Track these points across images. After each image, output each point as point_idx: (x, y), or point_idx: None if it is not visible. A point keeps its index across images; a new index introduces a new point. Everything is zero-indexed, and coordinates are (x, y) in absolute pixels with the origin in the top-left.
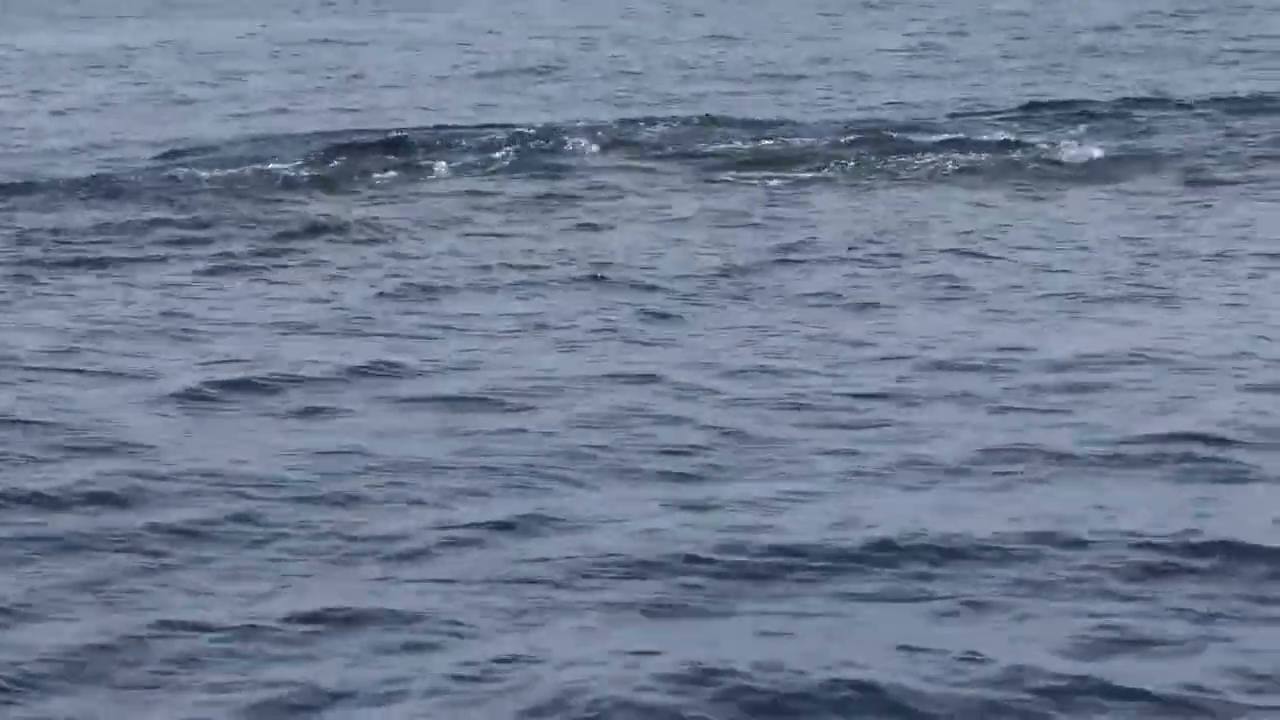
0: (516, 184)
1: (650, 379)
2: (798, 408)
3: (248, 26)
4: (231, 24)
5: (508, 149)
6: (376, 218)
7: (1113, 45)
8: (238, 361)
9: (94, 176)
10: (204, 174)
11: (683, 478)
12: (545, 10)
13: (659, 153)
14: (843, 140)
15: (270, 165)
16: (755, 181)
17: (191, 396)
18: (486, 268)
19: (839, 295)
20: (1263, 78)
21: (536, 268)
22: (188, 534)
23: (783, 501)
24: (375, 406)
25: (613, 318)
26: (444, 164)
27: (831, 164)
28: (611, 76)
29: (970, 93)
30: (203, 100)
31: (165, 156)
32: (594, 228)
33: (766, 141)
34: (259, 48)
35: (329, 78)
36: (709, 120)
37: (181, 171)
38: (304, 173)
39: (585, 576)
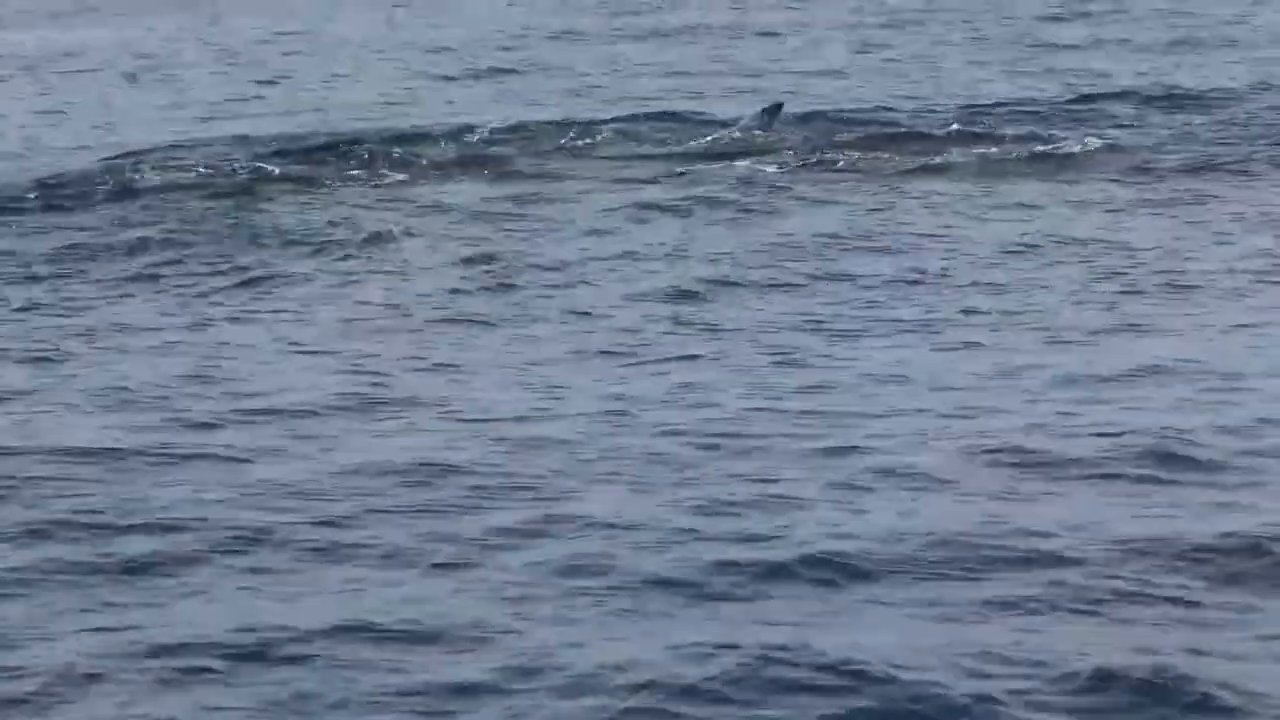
0: (481, 185)
1: (675, 380)
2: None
3: (179, 25)
4: (164, 21)
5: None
6: (349, 219)
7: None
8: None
9: (42, 183)
10: (159, 178)
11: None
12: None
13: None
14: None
15: (235, 167)
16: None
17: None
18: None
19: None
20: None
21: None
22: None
23: (828, 503)
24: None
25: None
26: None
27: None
28: (582, 70)
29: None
30: (148, 102)
31: (118, 161)
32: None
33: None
34: (195, 47)
35: (268, 81)
36: (669, 116)
37: (138, 177)
38: (272, 173)
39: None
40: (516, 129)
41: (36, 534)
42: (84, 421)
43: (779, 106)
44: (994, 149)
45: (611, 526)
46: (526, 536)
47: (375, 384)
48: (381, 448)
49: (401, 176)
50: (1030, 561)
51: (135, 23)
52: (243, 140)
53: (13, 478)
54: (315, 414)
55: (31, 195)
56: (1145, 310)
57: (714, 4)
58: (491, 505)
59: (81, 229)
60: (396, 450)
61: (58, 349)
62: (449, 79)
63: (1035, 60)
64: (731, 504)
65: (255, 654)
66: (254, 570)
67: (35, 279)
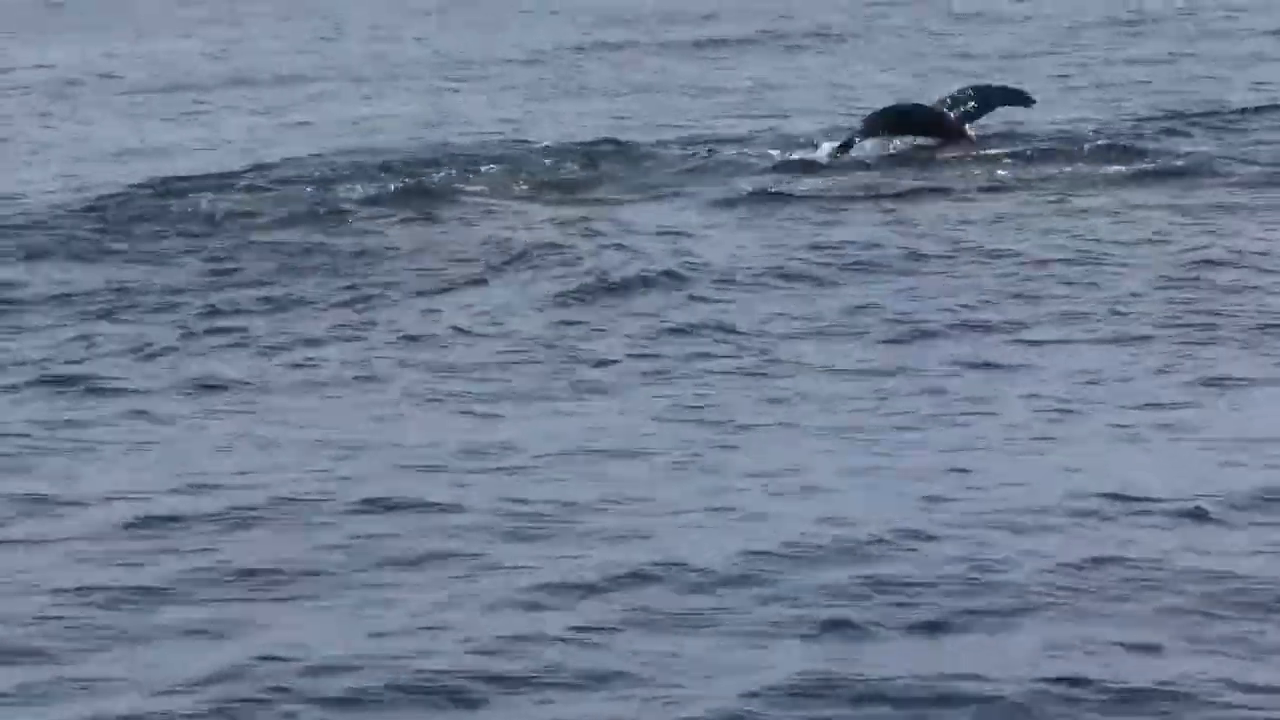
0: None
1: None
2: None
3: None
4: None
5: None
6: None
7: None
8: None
9: (95, 213)
10: (221, 205)
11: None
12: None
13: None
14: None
15: (294, 191)
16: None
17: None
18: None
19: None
20: None
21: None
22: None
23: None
24: None
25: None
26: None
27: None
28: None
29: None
30: (178, 127)
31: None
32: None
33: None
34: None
35: (306, 100)
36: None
37: (201, 205)
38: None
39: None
40: (573, 149)
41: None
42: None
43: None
44: (1140, 163)
45: None
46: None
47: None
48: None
49: (473, 197)
50: None
51: (150, 42)
52: (295, 162)
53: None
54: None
55: (86, 226)
56: None
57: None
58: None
59: (148, 259)
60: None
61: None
62: (491, 94)
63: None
64: None
65: None
66: None
67: (112, 315)
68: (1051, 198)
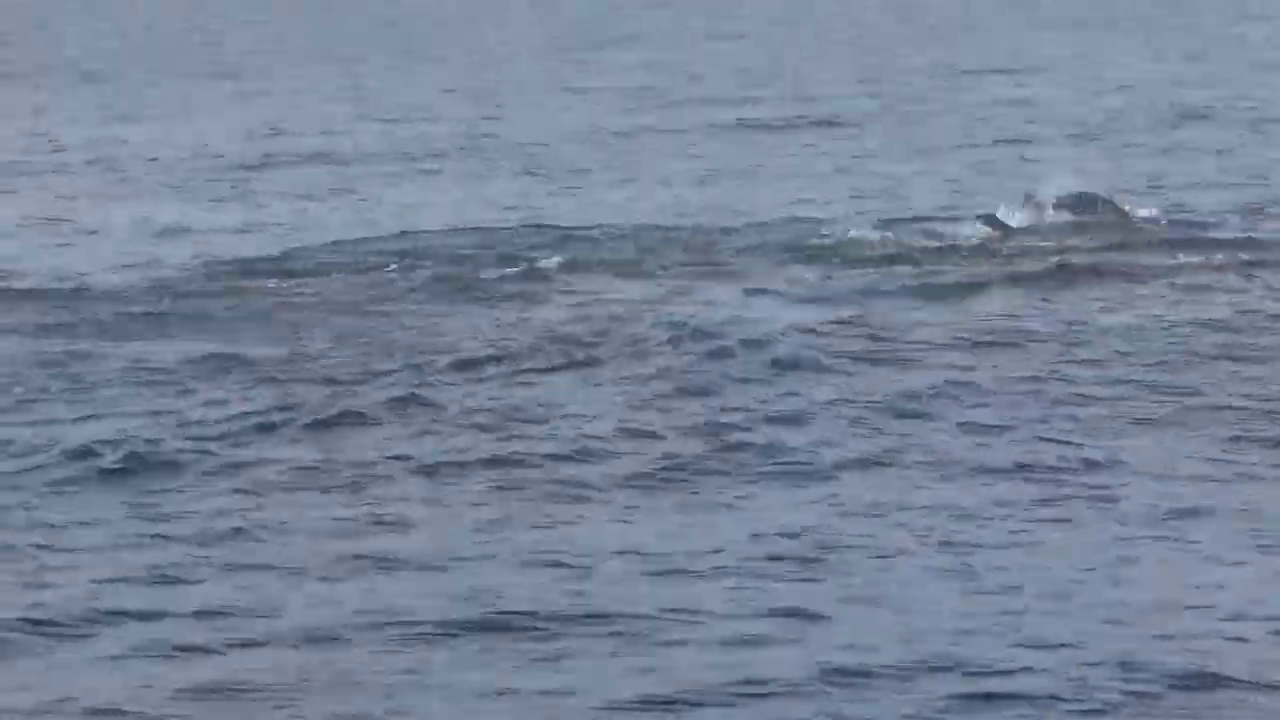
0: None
1: None
2: None
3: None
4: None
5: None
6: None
7: None
8: None
9: (162, 291)
10: (280, 286)
11: None
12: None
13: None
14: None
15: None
16: None
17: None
18: None
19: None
20: None
21: None
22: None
23: None
24: None
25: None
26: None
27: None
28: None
29: None
30: (216, 208)
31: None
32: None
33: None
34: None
35: (347, 187)
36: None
37: (259, 283)
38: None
39: None
40: (625, 231)
41: None
42: None
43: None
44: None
45: None
46: None
47: None
48: None
49: (530, 282)
50: None
51: (191, 122)
52: (343, 246)
53: None
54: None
55: (149, 304)
56: None
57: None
58: None
59: (212, 336)
60: None
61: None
62: (548, 179)
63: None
64: None
65: None
66: None
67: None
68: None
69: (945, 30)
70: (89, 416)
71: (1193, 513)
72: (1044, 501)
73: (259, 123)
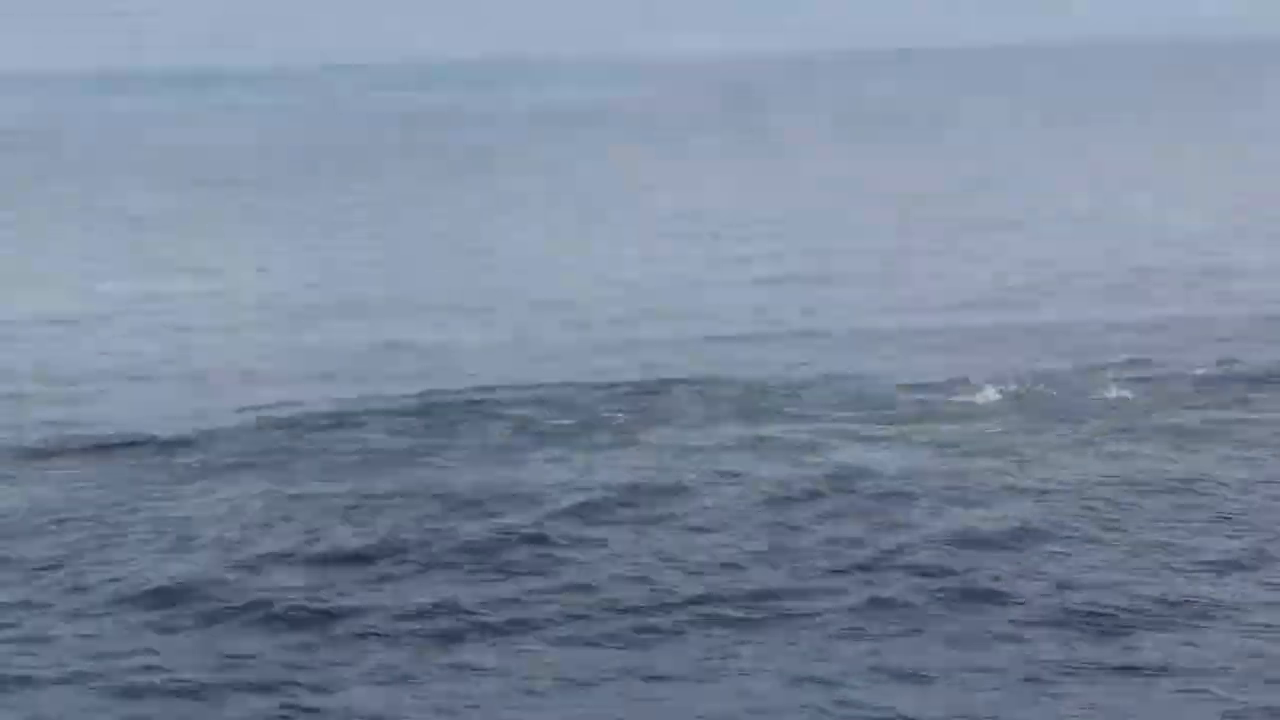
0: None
1: None
2: None
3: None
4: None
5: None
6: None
7: None
8: None
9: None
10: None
11: None
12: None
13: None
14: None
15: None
16: None
17: None
18: None
19: None
20: None
21: None
22: None
23: None
24: None
25: None
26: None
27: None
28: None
29: None
30: (280, 353)
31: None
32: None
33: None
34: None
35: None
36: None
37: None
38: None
39: None
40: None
41: None
42: None
43: None
44: None
45: None
46: None
47: None
48: None
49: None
50: None
51: (229, 272)
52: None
53: None
54: None
55: (226, 456)
56: None
57: None
58: None
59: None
60: None
61: None
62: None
63: None
64: None
65: None
66: None
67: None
68: None
69: None
70: (169, 555)
71: None
72: None
73: (300, 270)
